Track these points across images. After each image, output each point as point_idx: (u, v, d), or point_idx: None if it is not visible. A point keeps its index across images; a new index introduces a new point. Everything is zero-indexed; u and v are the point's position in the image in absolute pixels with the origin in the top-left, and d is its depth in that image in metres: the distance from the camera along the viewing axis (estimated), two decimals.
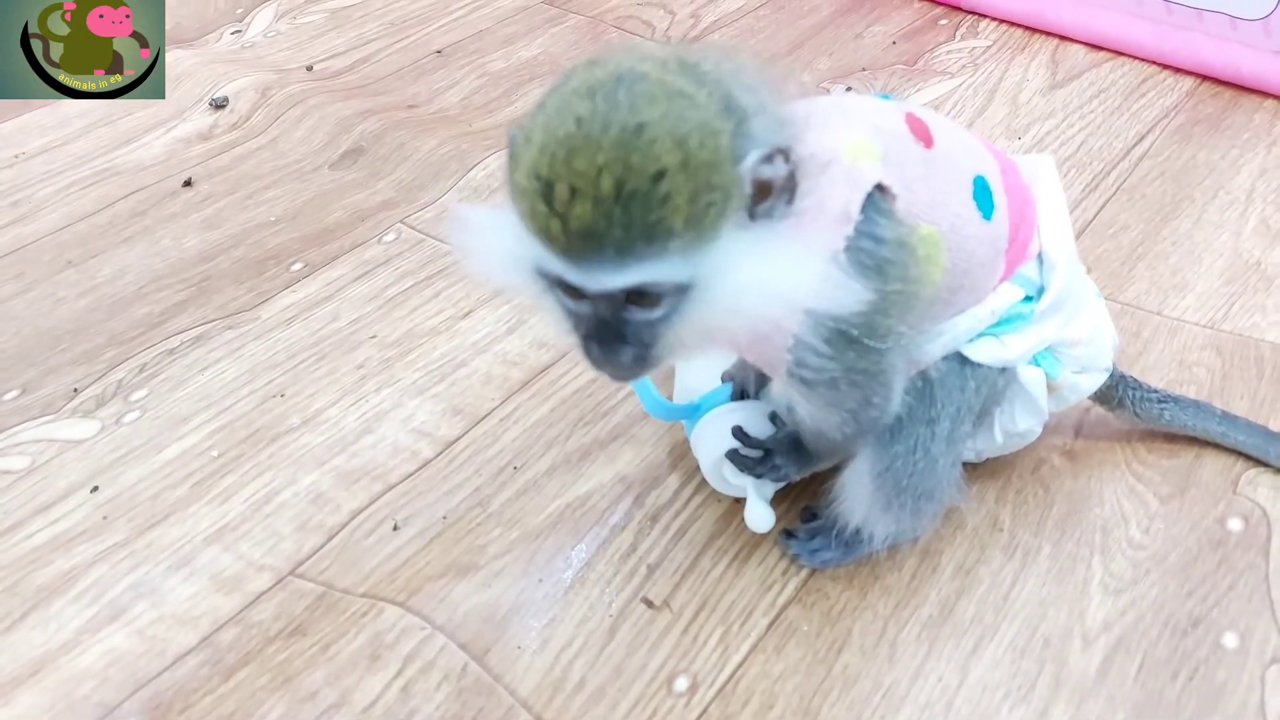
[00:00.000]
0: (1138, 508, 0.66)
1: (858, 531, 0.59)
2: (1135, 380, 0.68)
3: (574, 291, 0.44)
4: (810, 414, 0.53)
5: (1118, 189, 0.97)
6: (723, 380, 0.66)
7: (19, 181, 1.05)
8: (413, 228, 0.96)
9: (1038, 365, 0.59)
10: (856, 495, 0.58)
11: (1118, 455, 0.68)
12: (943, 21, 1.27)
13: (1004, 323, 0.56)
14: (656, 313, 0.43)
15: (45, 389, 0.79)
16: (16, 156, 1.09)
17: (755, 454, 0.58)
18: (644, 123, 0.40)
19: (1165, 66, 1.16)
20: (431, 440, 0.73)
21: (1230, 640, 0.58)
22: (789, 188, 0.44)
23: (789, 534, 0.63)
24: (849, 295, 0.44)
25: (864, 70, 1.18)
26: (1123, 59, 1.17)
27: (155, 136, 1.11)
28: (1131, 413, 0.67)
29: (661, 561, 0.64)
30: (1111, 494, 0.67)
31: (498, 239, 0.45)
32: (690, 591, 0.62)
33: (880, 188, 0.47)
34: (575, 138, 0.40)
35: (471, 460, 0.72)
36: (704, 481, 0.68)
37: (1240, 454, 0.68)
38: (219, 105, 1.15)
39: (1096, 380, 0.62)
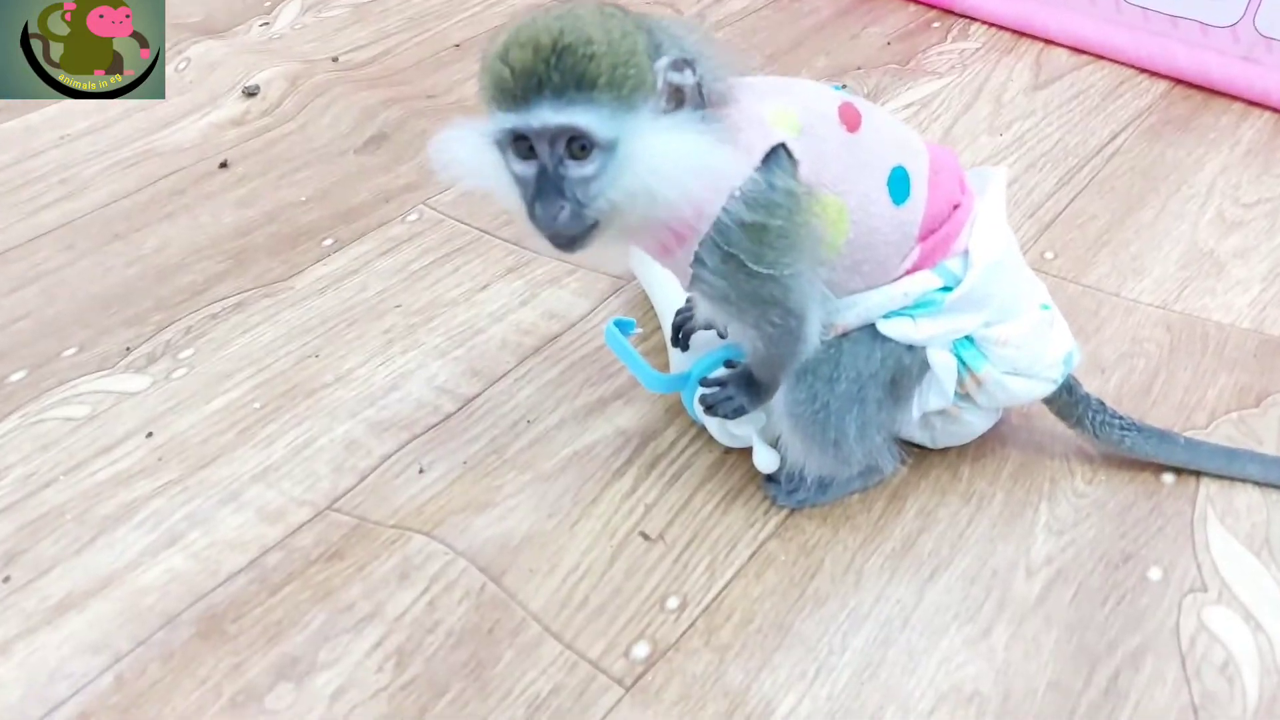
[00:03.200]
0: (1083, 463, 0.73)
1: (804, 472, 0.66)
2: (1100, 404, 0.69)
3: (523, 148, 0.53)
4: (730, 328, 0.61)
5: (1089, 183, 1.05)
6: (676, 315, 0.75)
7: (66, 161, 1.12)
8: (434, 209, 1.04)
9: (956, 353, 0.64)
10: (783, 435, 0.66)
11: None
12: (935, 24, 1.34)
13: (919, 306, 0.62)
14: (588, 168, 0.52)
15: (100, 347, 0.87)
16: (62, 138, 1.16)
17: (713, 390, 0.66)
18: (580, 17, 0.52)
19: (1142, 70, 1.23)
20: (453, 396, 0.81)
21: (1155, 573, 0.66)
22: (697, 99, 0.54)
23: (770, 478, 0.71)
24: (734, 171, 0.54)
25: (859, 69, 1.25)
26: (1103, 62, 1.24)
27: (191, 121, 1.18)
28: (1092, 434, 0.69)
29: (657, 501, 0.71)
30: (1061, 450, 0.74)
31: (467, 134, 0.56)
32: (682, 526, 0.70)
33: (785, 148, 0.56)
34: (528, 26, 0.52)
35: (489, 414, 0.79)
36: (697, 435, 0.76)
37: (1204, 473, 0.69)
38: (250, 93, 1.23)
39: (1035, 387, 0.66)
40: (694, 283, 0.59)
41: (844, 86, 1.11)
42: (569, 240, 0.55)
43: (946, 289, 0.62)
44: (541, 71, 0.50)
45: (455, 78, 1.26)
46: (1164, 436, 0.71)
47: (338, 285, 0.94)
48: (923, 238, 0.61)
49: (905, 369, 0.64)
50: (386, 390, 0.82)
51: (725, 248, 0.55)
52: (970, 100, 1.19)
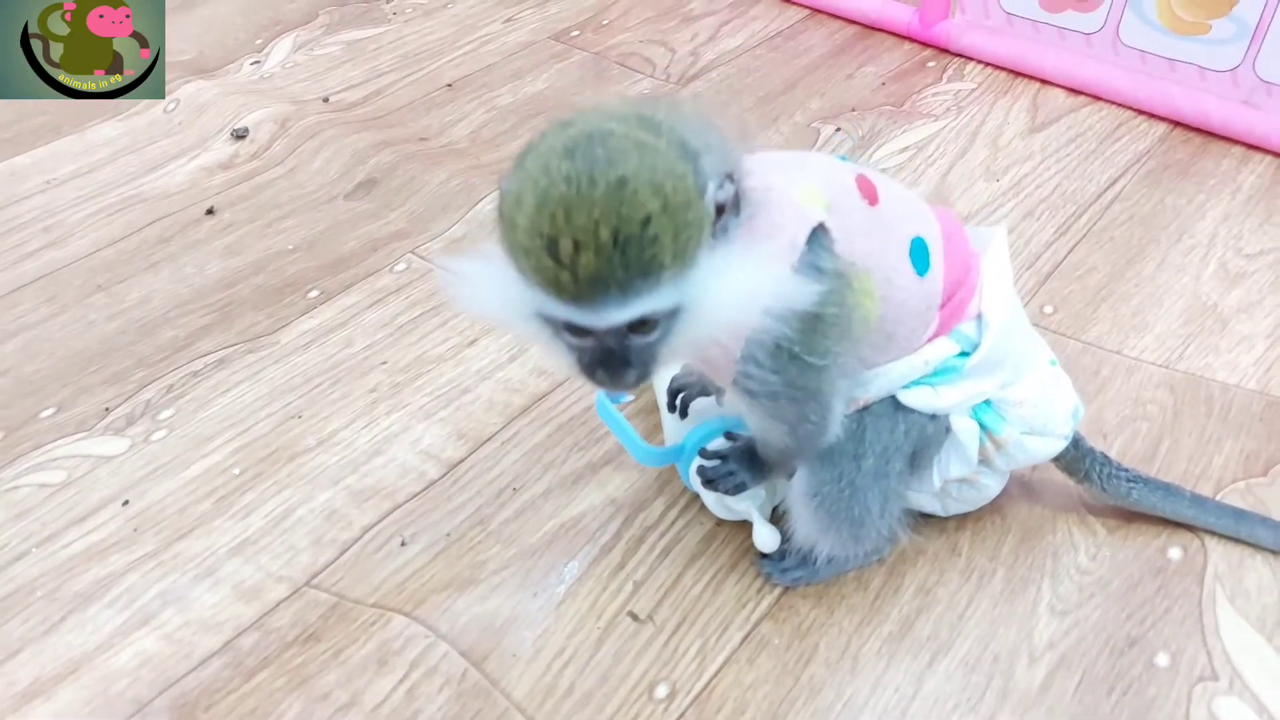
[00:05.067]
0: (1087, 536, 0.71)
1: (814, 552, 0.64)
2: (1105, 457, 0.69)
3: (579, 331, 0.49)
4: (756, 423, 0.59)
5: (1088, 232, 1.03)
6: (672, 381, 0.72)
7: (51, 207, 1.11)
8: (422, 258, 1.02)
9: (976, 418, 0.63)
10: (798, 515, 0.64)
11: (1071, 488, 0.73)
12: (931, 64, 1.33)
13: (938, 373, 0.61)
14: (653, 336, 0.49)
15: (79, 407, 0.85)
16: (48, 183, 1.15)
17: (714, 464, 0.64)
18: (624, 176, 0.45)
19: (1140, 112, 1.21)
20: (437, 462, 0.79)
21: (1163, 660, 0.63)
22: (735, 203, 0.51)
23: (764, 555, 0.68)
24: (802, 294, 0.51)
25: (853, 110, 1.24)
26: (1101, 104, 1.23)
27: (179, 165, 1.17)
28: (1100, 488, 0.69)
29: (647, 578, 0.69)
30: (1063, 523, 0.72)
31: (494, 287, 0.49)
32: (672, 606, 0.67)
33: (823, 227, 0.54)
34: (568, 197, 0.45)
35: (474, 481, 0.77)
36: (688, 506, 0.74)
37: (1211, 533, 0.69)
38: (240, 136, 1.22)
39: (1050, 445, 0.65)
40: (739, 382, 0.56)
41: (847, 156, 1.09)
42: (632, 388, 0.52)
43: (964, 354, 0.61)
44: (607, 274, 0.45)
45: (447, 119, 1.25)
46: (1170, 490, 0.70)
47: (323, 340, 0.92)
48: (941, 305, 0.60)
49: (928, 439, 0.62)
50: (369, 455, 0.80)
51: (779, 344, 0.53)
52: (966, 144, 1.17)
